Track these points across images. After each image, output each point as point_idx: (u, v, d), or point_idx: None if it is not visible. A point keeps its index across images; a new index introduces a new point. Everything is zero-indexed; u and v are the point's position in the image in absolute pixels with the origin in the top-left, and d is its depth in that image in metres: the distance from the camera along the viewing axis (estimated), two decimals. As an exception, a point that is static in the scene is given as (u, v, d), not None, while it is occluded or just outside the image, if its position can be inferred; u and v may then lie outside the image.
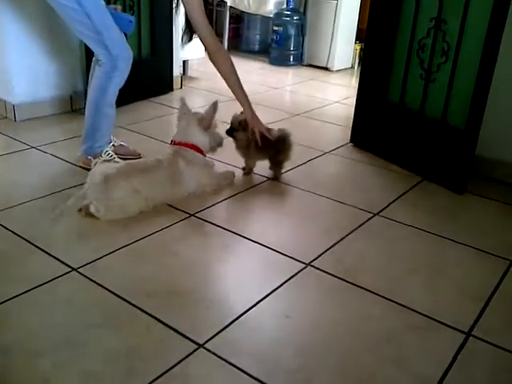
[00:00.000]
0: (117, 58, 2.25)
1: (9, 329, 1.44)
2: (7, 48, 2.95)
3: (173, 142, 2.27)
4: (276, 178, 2.49)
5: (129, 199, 2.02)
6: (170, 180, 2.15)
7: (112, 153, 2.45)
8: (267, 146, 2.40)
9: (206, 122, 2.27)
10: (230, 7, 5.59)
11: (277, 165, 2.48)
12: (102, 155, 2.43)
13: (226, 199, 2.27)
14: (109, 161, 2.40)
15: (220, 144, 2.39)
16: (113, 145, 2.50)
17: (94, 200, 1.97)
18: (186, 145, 2.24)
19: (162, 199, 2.15)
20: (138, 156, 2.56)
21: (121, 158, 2.45)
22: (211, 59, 2.38)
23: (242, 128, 2.40)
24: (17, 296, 1.55)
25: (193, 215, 2.10)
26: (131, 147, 2.60)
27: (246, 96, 2.42)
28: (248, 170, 2.53)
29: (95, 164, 2.34)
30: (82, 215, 2.00)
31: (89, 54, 2.90)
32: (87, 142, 2.43)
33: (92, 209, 1.97)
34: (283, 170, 2.52)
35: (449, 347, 1.47)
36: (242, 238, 1.96)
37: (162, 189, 2.13)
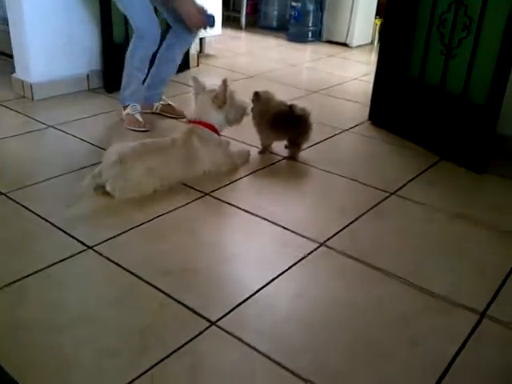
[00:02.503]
0: (142, 30, 2.60)
1: (27, 305, 1.47)
2: (24, 28, 2.96)
3: (189, 121, 2.27)
4: (293, 157, 2.47)
5: (144, 179, 2.03)
6: (184, 159, 2.15)
7: (137, 109, 2.74)
8: (287, 126, 2.36)
9: (220, 99, 2.25)
10: (248, -17, 5.50)
11: (296, 145, 2.45)
12: (128, 109, 2.74)
13: (241, 178, 2.27)
14: (132, 114, 2.71)
15: (242, 115, 2.38)
16: (161, 104, 2.93)
17: (110, 179, 1.98)
18: (201, 123, 2.23)
19: (177, 178, 2.15)
20: (182, 116, 2.88)
21: (167, 117, 2.92)
22: None
23: (254, 100, 2.40)
24: (35, 272, 1.58)
25: (208, 194, 2.10)
26: (178, 108, 2.94)
27: None
28: (263, 149, 2.51)
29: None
30: (97, 194, 2.01)
31: (105, 34, 2.92)
32: (120, 94, 2.80)
33: (108, 188, 1.99)
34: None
35: (463, 327, 1.46)
36: (256, 218, 1.96)
37: (176, 168, 2.13)
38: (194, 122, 2.24)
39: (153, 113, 2.93)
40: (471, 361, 1.35)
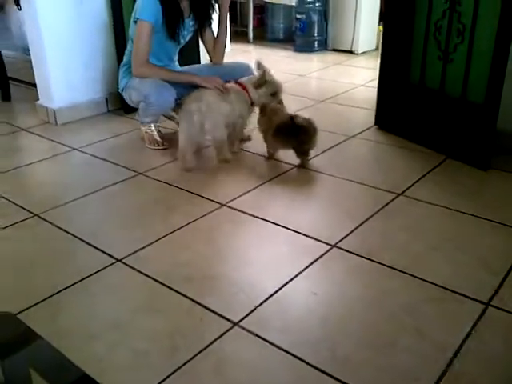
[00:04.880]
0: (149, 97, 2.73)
1: (65, 316, 1.62)
2: (45, 58, 3.15)
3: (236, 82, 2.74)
4: (303, 165, 2.60)
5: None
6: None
7: (154, 129, 2.88)
8: (288, 136, 2.51)
9: (255, 83, 2.67)
10: (253, -2, 5.67)
11: (302, 154, 2.59)
12: (147, 128, 2.89)
13: (254, 188, 2.40)
14: (151, 134, 2.88)
15: (273, 94, 2.68)
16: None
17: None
18: (243, 87, 2.71)
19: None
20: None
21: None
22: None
23: (260, 113, 2.64)
24: (70, 286, 1.74)
25: (224, 205, 2.24)
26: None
27: (185, 72, 2.91)
28: (269, 155, 2.68)
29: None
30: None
31: (121, 57, 3.09)
32: (138, 115, 2.94)
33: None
34: (309, 157, 2.63)
35: (468, 317, 1.56)
36: (270, 224, 2.09)
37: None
38: (241, 84, 2.70)
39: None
40: (476, 349, 1.44)
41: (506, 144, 2.64)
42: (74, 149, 2.88)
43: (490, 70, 2.33)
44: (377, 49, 5.30)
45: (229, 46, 4.51)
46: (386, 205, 2.22)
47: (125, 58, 2.89)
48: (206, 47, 3.04)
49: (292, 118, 2.52)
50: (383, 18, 2.99)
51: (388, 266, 1.80)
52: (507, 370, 1.39)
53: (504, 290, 1.68)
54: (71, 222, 2.14)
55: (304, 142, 2.53)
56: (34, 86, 3.41)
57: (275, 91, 2.67)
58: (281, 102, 2.68)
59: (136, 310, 1.64)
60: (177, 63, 3.01)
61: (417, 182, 2.42)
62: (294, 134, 2.49)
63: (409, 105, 2.88)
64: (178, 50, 2.95)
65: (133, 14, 2.72)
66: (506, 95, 2.36)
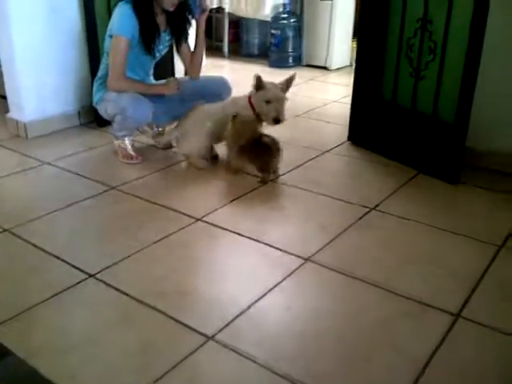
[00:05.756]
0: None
1: (37, 332, 1.59)
2: (16, 69, 3.11)
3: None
4: (264, 181, 2.60)
5: None
6: None
7: (128, 144, 2.87)
8: (252, 155, 2.54)
9: (254, 85, 2.70)
10: (228, 13, 5.72)
11: (263, 171, 2.59)
12: (120, 142, 2.88)
13: (229, 202, 2.40)
14: (125, 148, 2.86)
15: (268, 102, 2.67)
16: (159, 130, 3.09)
17: None
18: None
19: None
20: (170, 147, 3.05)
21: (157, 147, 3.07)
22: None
23: (231, 121, 2.61)
24: (42, 302, 1.70)
25: (199, 219, 2.24)
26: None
27: (156, 85, 2.94)
28: (234, 170, 2.67)
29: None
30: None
31: (94, 70, 3.08)
32: (112, 129, 2.92)
33: None
34: (281, 173, 2.66)
35: (439, 329, 1.59)
36: (245, 238, 2.09)
37: None
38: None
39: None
40: (447, 360, 1.47)
41: (473, 160, 2.71)
42: (45, 163, 2.84)
43: (460, 90, 2.40)
44: (351, 65, 5.39)
45: (204, 61, 4.52)
46: (360, 219, 2.25)
47: (100, 72, 2.87)
48: (182, 61, 3.05)
49: (260, 136, 2.53)
50: (357, 35, 3.04)
51: (361, 280, 1.82)
52: (477, 379, 1.42)
53: (473, 302, 1.71)
54: (43, 237, 2.10)
55: (267, 163, 2.56)
56: (4, 98, 3.36)
57: (269, 99, 2.65)
58: (279, 114, 2.65)
59: (109, 325, 1.62)
60: (152, 77, 3.01)
61: (389, 196, 2.46)
62: (259, 153, 2.52)
63: (381, 121, 2.94)
64: (153, 64, 2.96)
65: (109, 28, 2.71)
66: (472, 114, 2.43)
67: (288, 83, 2.74)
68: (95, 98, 2.89)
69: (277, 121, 2.65)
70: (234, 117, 2.59)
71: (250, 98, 2.72)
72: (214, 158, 2.86)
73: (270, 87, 2.68)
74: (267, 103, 2.65)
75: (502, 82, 2.62)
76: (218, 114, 2.73)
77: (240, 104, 2.73)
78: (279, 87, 2.70)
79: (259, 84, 2.66)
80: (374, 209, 2.33)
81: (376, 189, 2.54)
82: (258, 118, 2.68)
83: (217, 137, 2.75)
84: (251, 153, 2.54)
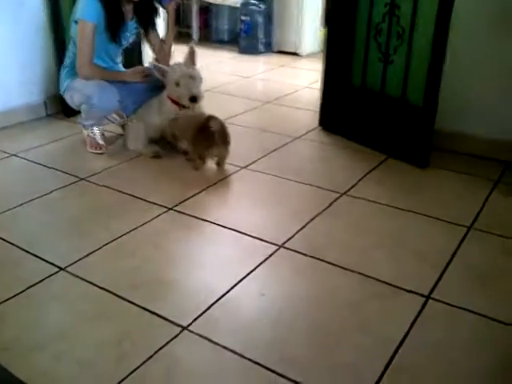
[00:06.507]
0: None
1: (7, 327, 1.56)
2: (-22, 59, 3.02)
3: None
4: (194, 166, 2.58)
5: None
6: None
7: (97, 132, 2.82)
8: (193, 139, 2.51)
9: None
10: (198, -1, 5.65)
11: (199, 157, 2.55)
12: (89, 131, 2.83)
13: (200, 191, 2.39)
14: (93, 138, 2.81)
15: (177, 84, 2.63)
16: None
17: None
18: None
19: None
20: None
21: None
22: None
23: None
24: (12, 297, 1.67)
25: (170, 209, 2.22)
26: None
27: (122, 72, 2.88)
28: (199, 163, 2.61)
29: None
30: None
31: (60, 59, 3.00)
32: (80, 118, 2.89)
33: None
34: (252, 160, 2.64)
35: (410, 310, 1.62)
36: (217, 227, 2.09)
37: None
38: None
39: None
40: (418, 341, 1.50)
41: (442, 143, 2.75)
42: (11, 155, 2.77)
43: (428, 73, 2.43)
44: (321, 51, 5.39)
45: (172, 47, 4.46)
46: (331, 204, 2.27)
47: (67, 60, 2.81)
48: (152, 49, 3.01)
49: (205, 121, 2.47)
50: (326, 21, 3.04)
51: (334, 265, 1.84)
52: (449, 360, 1.45)
53: (443, 283, 1.75)
54: (11, 230, 2.06)
55: (206, 149, 2.51)
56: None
57: (177, 80, 2.58)
58: (192, 91, 2.57)
59: (81, 318, 1.60)
60: (120, 65, 2.96)
61: (359, 181, 2.48)
62: (200, 139, 2.48)
63: (351, 106, 2.96)
64: (120, 52, 2.91)
65: (73, 14, 2.65)
66: (441, 97, 2.46)
67: (191, 57, 2.68)
68: (62, 87, 2.83)
69: (192, 99, 2.58)
70: (172, 120, 2.60)
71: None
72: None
73: (174, 67, 2.64)
74: (177, 85, 2.59)
75: (472, 65, 2.66)
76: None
77: (164, 105, 2.70)
78: (183, 65, 2.65)
79: (161, 71, 2.63)
80: (344, 194, 2.35)
81: (346, 174, 2.56)
82: (179, 106, 2.64)
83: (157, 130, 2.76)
84: (191, 136, 2.51)
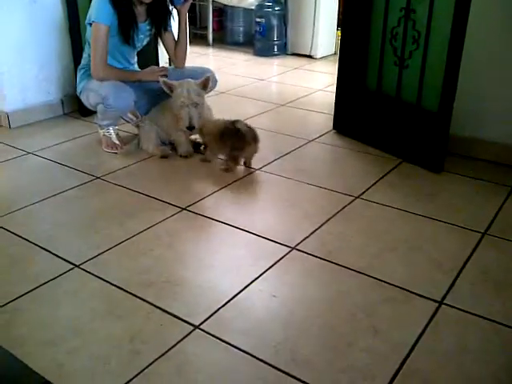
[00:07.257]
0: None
1: (22, 323, 1.58)
2: (-3, 58, 3.06)
3: None
4: (227, 169, 2.60)
5: None
6: None
7: (112, 132, 2.85)
8: (221, 144, 2.56)
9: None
10: (213, 1, 5.67)
11: (231, 159, 2.58)
12: (104, 131, 2.87)
13: (214, 192, 2.40)
14: (109, 137, 2.85)
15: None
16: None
17: None
18: None
19: None
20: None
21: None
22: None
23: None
24: (27, 293, 1.70)
25: (184, 209, 2.24)
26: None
27: (136, 72, 2.91)
28: (205, 160, 2.71)
29: None
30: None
31: (77, 59, 3.04)
32: (96, 118, 2.92)
33: None
34: (266, 162, 2.65)
35: (422, 315, 1.62)
36: (231, 228, 2.10)
37: None
38: None
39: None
40: (430, 346, 1.50)
41: (457, 148, 2.74)
42: (29, 153, 2.81)
43: (444, 78, 2.41)
44: (335, 54, 5.39)
45: (188, 49, 4.49)
46: (344, 207, 2.27)
47: (82, 61, 2.85)
48: (167, 51, 3.03)
49: (231, 124, 2.54)
50: (341, 23, 3.04)
51: (346, 268, 1.84)
52: (460, 365, 1.44)
53: (456, 289, 1.74)
54: (27, 227, 2.09)
55: (237, 150, 2.54)
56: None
57: (182, 103, 2.60)
58: (192, 120, 2.60)
59: (95, 315, 1.62)
60: (136, 65, 2.98)
61: (373, 185, 2.48)
62: (230, 141, 2.52)
63: (366, 110, 2.95)
64: (135, 53, 2.93)
65: (87, 16, 2.69)
66: (456, 102, 2.45)
67: (205, 83, 2.65)
68: (78, 88, 2.86)
69: (190, 128, 2.61)
70: (201, 130, 2.63)
71: None
72: (196, 146, 2.86)
73: (182, 86, 2.60)
74: (181, 107, 2.59)
75: (486, 69, 2.64)
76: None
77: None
78: (193, 85, 2.61)
79: (168, 86, 2.62)
80: (358, 197, 2.35)
81: (360, 178, 2.55)
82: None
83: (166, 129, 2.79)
84: (221, 141, 2.54)
